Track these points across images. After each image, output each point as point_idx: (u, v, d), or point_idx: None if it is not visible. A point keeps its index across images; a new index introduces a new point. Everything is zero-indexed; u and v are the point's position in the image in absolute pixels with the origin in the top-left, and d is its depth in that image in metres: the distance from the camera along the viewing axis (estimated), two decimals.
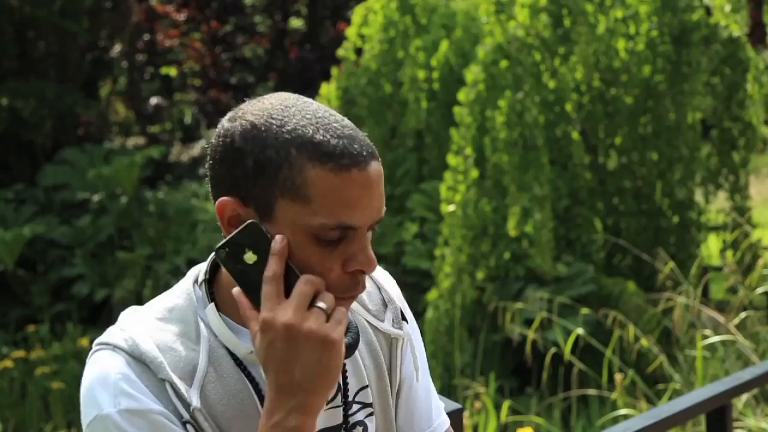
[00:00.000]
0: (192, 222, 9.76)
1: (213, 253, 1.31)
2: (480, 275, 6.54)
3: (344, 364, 1.36)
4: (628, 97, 6.81)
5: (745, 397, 4.14)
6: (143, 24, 14.34)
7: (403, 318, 1.47)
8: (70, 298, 9.15)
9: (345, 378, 1.37)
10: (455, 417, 1.82)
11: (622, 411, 4.36)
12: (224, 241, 1.21)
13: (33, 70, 12.37)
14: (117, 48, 14.37)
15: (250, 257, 1.20)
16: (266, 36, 14.97)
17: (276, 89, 13.69)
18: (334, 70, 8.20)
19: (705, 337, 4.73)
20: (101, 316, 8.97)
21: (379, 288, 1.46)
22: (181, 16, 14.59)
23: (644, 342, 4.86)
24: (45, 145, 11.87)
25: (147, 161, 10.34)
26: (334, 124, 1.21)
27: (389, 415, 1.44)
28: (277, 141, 1.20)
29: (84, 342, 7.43)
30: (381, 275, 1.48)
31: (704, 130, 7.23)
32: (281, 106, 1.23)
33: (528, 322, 5.87)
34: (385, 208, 1.26)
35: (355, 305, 1.39)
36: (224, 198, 1.23)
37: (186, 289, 1.31)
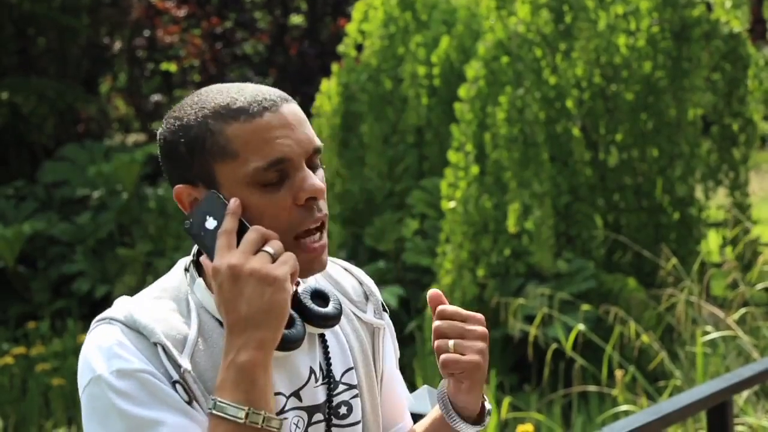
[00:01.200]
0: None
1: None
2: (480, 272, 6.53)
3: (327, 344, 1.44)
4: (629, 94, 6.80)
5: (745, 393, 4.14)
6: (143, 20, 14.33)
7: (384, 309, 1.56)
8: (71, 295, 9.15)
9: (328, 358, 1.43)
10: None
11: (623, 407, 4.36)
12: (189, 213, 1.35)
13: (33, 67, 12.36)
14: (117, 44, 14.36)
15: (210, 223, 1.32)
16: (266, 32, 14.95)
17: (276, 85, 13.64)
18: (334, 67, 8.19)
19: (705, 333, 4.73)
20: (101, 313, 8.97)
21: (360, 282, 1.56)
22: (181, 13, 14.57)
23: (645, 338, 4.86)
24: (45, 141, 11.86)
25: (147, 158, 10.32)
26: (240, 88, 1.35)
27: (375, 398, 1.51)
28: (196, 121, 1.33)
29: (84, 339, 7.44)
30: (362, 275, 1.59)
31: (704, 126, 7.22)
32: (196, 96, 1.37)
33: (528, 319, 5.87)
34: (318, 141, 1.37)
35: (339, 296, 1.47)
36: (177, 187, 1.35)
37: (178, 273, 1.41)
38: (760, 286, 5.29)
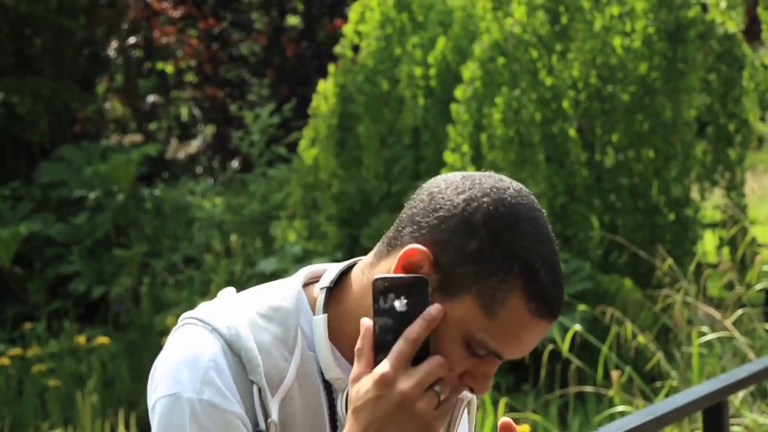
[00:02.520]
0: (188, 219, 9.75)
1: (343, 264, 1.31)
2: None
3: None
4: (625, 94, 6.81)
5: (741, 393, 4.14)
6: (140, 21, 14.32)
7: None
8: (67, 296, 9.14)
9: None
10: None
11: (619, 408, 4.36)
12: (391, 276, 1.18)
13: (29, 68, 12.35)
14: (113, 45, 14.35)
15: (400, 304, 1.17)
16: (263, 33, 14.95)
17: (272, 86, 13.68)
18: (330, 67, 8.19)
19: (702, 334, 4.74)
20: (98, 314, 8.97)
21: None
22: (177, 13, 14.57)
23: (641, 339, 4.87)
24: (41, 142, 11.85)
25: (144, 158, 10.32)
26: (557, 267, 1.20)
27: None
28: (509, 248, 1.17)
29: (81, 339, 7.43)
30: None
31: (700, 127, 7.24)
32: (529, 215, 1.21)
33: None
34: None
35: None
36: (424, 248, 1.19)
37: (295, 293, 1.28)
38: (759, 286, 5.30)
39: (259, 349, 1.21)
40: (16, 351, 7.29)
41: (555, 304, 1.19)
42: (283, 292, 1.28)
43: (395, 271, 1.20)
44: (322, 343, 1.24)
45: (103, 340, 7.30)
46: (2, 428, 6.50)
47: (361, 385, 1.15)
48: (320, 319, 1.25)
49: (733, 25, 6.77)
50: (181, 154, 15.04)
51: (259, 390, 1.20)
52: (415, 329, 1.14)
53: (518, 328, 1.18)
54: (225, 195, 11.11)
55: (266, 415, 1.20)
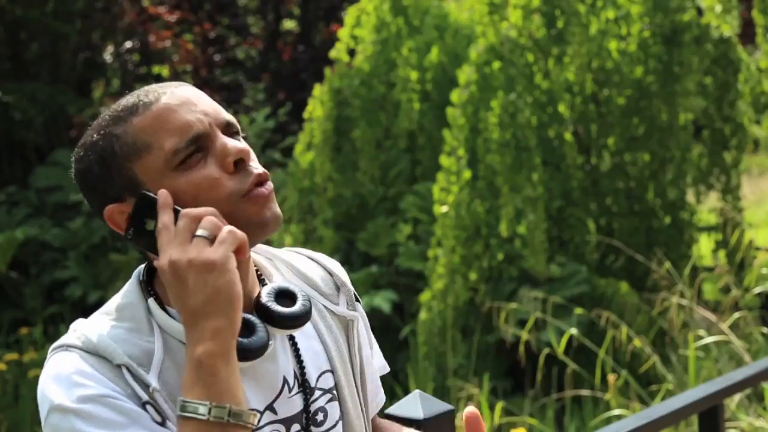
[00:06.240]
0: None
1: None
2: (473, 276, 6.54)
3: (298, 348, 1.38)
4: (621, 98, 6.82)
5: (737, 397, 4.15)
6: (135, 25, 14.31)
7: (356, 300, 1.51)
8: (63, 301, 9.13)
9: (301, 363, 1.37)
10: (447, 418, 1.82)
11: (616, 411, 4.37)
12: (128, 224, 1.30)
13: (26, 72, 12.35)
14: (109, 49, 14.34)
15: (149, 224, 1.28)
16: (259, 37, 14.96)
17: (269, 90, 13.68)
18: (326, 71, 8.19)
19: (698, 337, 4.74)
20: None
21: (330, 274, 1.49)
22: (173, 18, 14.56)
23: (637, 342, 4.87)
24: (37, 146, 11.84)
25: None
26: (131, 93, 1.35)
27: (355, 397, 1.44)
28: (99, 135, 1.32)
29: None
30: (331, 263, 1.52)
31: (696, 130, 7.25)
32: (93, 122, 1.36)
33: (521, 323, 5.88)
34: (226, 114, 1.35)
35: (309, 290, 1.43)
36: (106, 209, 1.32)
37: (134, 289, 1.35)
38: (758, 289, 5.30)
39: (116, 341, 1.26)
40: (12, 356, 7.28)
41: (147, 94, 1.32)
42: (122, 294, 1.36)
43: (126, 227, 1.31)
44: (162, 316, 1.29)
45: None
46: None
47: None
48: (150, 302, 1.31)
49: (729, 28, 6.78)
50: None
51: (128, 369, 1.23)
52: (159, 221, 1.25)
53: (161, 122, 1.29)
54: None
55: (145, 387, 1.23)
